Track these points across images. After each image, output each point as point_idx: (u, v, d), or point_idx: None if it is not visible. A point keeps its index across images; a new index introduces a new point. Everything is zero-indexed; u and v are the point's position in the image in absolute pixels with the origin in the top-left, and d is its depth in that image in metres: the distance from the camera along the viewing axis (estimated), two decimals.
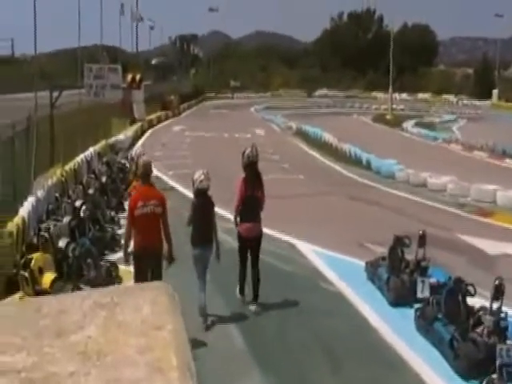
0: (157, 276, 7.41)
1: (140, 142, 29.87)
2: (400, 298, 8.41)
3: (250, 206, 8.58)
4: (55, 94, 17.17)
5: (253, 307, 8.38)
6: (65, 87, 18.37)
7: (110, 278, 9.62)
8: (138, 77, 19.87)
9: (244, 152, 8.73)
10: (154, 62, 63.22)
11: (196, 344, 6.63)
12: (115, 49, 53.56)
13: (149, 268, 7.60)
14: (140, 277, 7.54)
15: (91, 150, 19.65)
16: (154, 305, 1.64)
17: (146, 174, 8.05)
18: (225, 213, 11.21)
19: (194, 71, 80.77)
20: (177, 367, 1.38)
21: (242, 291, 8.60)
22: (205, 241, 8.09)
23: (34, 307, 1.66)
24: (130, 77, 19.75)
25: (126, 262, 8.09)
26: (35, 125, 13.86)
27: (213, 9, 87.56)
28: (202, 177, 8.16)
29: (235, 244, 8.97)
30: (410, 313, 7.90)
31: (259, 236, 8.64)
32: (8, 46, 49.74)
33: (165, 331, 1.51)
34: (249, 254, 8.62)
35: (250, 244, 8.60)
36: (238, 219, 8.69)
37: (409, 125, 41.04)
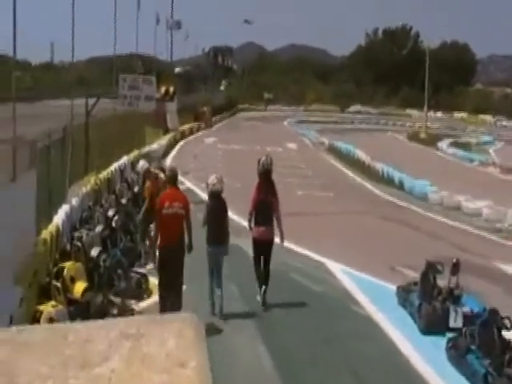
0: (178, 271, 8.35)
1: (172, 153, 30.08)
2: (432, 325, 8.24)
3: (263, 210, 9.17)
4: (91, 101, 17.41)
5: (260, 300, 9.06)
6: (100, 96, 18.58)
7: (140, 289, 9.66)
8: (171, 89, 20.07)
9: (259, 160, 9.43)
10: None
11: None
12: (150, 58, 54.18)
13: (171, 263, 8.34)
14: (163, 271, 8.43)
15: (125, 158, 19.84)
16: (180, 338, 1.63)
17: (172, 179, 8.87)
18: None
19: (225, 83, 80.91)
20: None
21: (260, 286, 9.14)
22: (218, 240, 8.78)
23: (61, 334, 1.67)
24: (163, 89, 19.96)
25: (153, 259, 9.09)
26: (71, 134, 14.02)
27: (248, 21, 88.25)
28: (215, 180, 8.92)
29: None
30: (441, 342, 7.73)
31: (271, 239, 9.23)
32: (47, 51, 50.56)
33: (188, 369, 1.49)
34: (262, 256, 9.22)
35: (263, 246, 9.16)
36: (253, 223, 9.28)
37: (444, 144, 40.58)
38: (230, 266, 9.78)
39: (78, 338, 1.64)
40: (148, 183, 12.46)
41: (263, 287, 9.07)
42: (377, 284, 10.54)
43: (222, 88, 77.00)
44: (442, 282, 8.81)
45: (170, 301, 8.28)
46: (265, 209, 9.18)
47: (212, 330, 7.92)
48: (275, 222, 9.31)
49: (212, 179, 8.98)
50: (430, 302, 8.54)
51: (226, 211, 9.02)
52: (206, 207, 9.07)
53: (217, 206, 8.90)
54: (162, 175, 11.76)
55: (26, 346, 1.62)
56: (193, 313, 1.79)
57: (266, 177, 9.32)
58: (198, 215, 9.60)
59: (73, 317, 7.71)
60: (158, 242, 8.65)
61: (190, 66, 70.90)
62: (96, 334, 1.66)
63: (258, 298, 9.12)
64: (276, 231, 9.35)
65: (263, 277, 9.14)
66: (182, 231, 8.50)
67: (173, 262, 8.39)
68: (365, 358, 7.48)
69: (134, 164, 19.59)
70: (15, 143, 9.64)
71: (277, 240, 9.46)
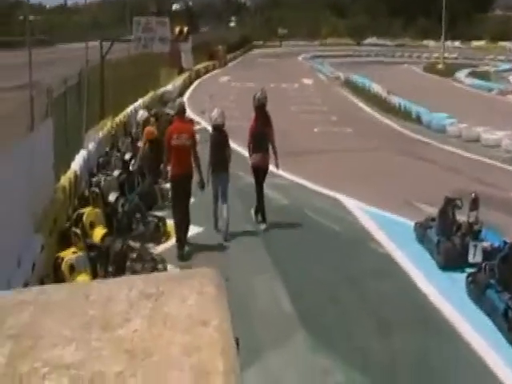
0: (187, 195, 9.25)
1: (188, 93, 29.83)
2: (451, 261, 8.26)
3: (259, 140, 10.16)
4: (105, 44, 17.20)
5: (262, 226, 10.06)
6: (115, 40, 18.37)
7: (158, 233, 9.77)
8: (185, 29, 19.77)
9: (254, 96, 10.30)
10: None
11: None
12: None
13: (182, 189, 9.17)
14: (176, 198, 9.32)
15: (140, 101, 19.73)
16: (200, 295, 1.62)
17: (181, 112, 9.69)
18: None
19: (235, 19, 78.58)
20: (223, 372, 1.36)
21: (256, 213, 10.30)
22: (220, 167, 9.73)
23: (82, 294, 1.68)
24: (177, 29, 19.68)
25: (165, 179, 10.29)
26: (86, 80, 13.93)
27: None
28: (217, 115, 9.94)
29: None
30: (460, 277, 7.75)
31: (266, 165, 10.29)
32: None
33: (210, 327, 1.49)
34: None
35: (258, 171, 10.21)
36: (251, 152, 10.29)
37: (462, 75, 39.68)
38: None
39: (99, 298, 1.65)
40: (147, 128, 12.33)
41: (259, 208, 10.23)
42: (394, 220, 10.54)
43: (233, 25, 75.14)
44: (461, 217, 8.78)
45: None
46: (261, 139, 10.16)
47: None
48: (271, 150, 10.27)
49: (214, 113, 10.00)
50: (448, 238, 8.54)
51: (228, 142, 9.96)
52: (209, 138, 10.11)
53: (219, 137, 9.88)
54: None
55: (49, 306, 1.63)
56: (212, 268, 1.78)
57: (261, 110, 10.23)
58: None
59: (93, 262, 7.84)
60: (169, 172, 9.47)
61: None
62: (117, 294, 1.66)
63: (252, 211, 10.32)
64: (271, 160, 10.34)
65: (260, 197, 10.26)
66: (190, 162, 9.25)
67: (184, 191, 9.20)
68: (384, 296, 7.54)
69: (148, 107, 19.50)
70: (32, 90, 9.61)
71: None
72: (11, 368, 1.40)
